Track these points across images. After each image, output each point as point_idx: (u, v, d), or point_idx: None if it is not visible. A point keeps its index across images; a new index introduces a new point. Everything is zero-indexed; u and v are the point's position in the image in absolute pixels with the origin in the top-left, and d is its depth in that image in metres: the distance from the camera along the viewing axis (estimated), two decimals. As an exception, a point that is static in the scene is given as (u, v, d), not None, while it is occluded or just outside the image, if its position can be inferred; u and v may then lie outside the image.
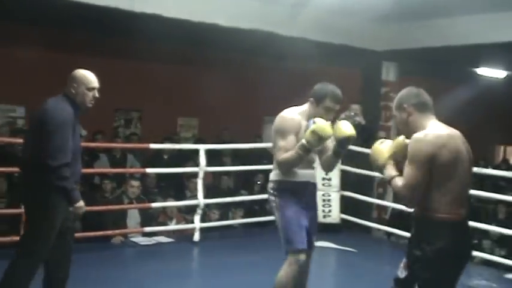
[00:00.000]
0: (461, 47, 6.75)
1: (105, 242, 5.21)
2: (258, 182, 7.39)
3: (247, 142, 7.04)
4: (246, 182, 7.65)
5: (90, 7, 5.30)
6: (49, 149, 2.93)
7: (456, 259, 2.49)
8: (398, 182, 2.46)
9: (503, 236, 5.80)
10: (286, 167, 3.07)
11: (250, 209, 6.73)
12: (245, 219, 6.30)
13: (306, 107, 3.16)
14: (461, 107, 10.13)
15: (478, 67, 9.36)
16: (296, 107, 3.20)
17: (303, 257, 3.06)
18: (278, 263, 5.01)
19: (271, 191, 3.18)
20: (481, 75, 9.84)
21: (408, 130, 2.54)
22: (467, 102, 10.32)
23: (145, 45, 7.85)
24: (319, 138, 2.95)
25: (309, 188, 3.22)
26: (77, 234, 5.11)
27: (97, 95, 3.16)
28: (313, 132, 2.93)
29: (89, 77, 3.14)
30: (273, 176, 3.20)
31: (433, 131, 2.44)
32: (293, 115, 3.10)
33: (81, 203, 3.08)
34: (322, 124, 2.95)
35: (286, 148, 3.02)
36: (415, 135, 2.44)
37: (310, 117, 3.05)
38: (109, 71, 8.00)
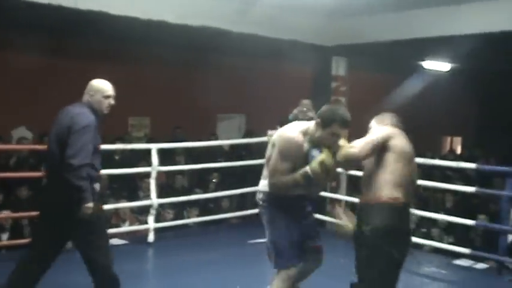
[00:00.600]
0: (407, 41, 6.93)
1: (55, 247, 5.05)
2: (214, 180, 7.37)
3: (200, 140, 6.99)
4: (200, 181, 7.61)
5: (34, 5, 5.13)
6: (72, 149, 3.15)
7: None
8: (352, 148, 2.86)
9: (451, 224, 6.00)
10: (281, 190, 2.96)
11: (205, 207, 6.70)
12: (200, 218, 6.25)
13: (309, 125, 2.99)
14: (409, 99, 10.42)
15: (423, 60, 9.64)
16: (299, 123, 3.07)
17: (294, 271, 2.99)
18: (234, 260, 5.02)
19: (261, 203, 3.06)
20: (427, 69, 10.13)
21: None
22: (414, 94, 10.62)
23: (93, 43, 7.67)
24: (327, 171, 2.84)
25: (303, 202, 3.11)
26: (26, 240, 4.97)
27: (112, 102, 3.43)
28: (321, 164, 2.83)
29: (105, 86, 3.43)
30: (263, 187, 3.06)
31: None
32: (299, 138, 2.92)
33: (90, 205, 3.22)
34: (329, 158, 2.84)
35: (283, 171, 2.89)
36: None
37: (314, 138, 2.91)
38: (54, 71, 7.82)
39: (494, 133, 12.71)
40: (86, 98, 3.40)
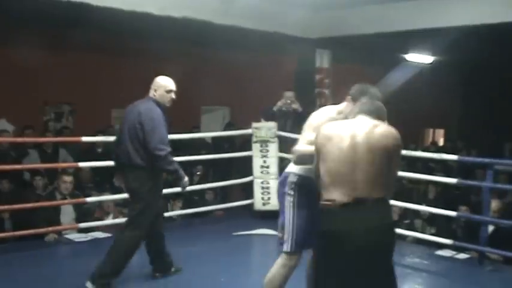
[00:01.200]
0: (390, 33, 6.96)
1: (37, 241, 5.01)
2: (198, 173, 7.34)
3: (184, 133, 6.95)
4: (184, 173, 7.56)
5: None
6: (153, 142, 3.69)
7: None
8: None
9: (433, 215, 6.06)
10: (299, 159, 2.96)
11: (189, 200, 6.67)
12: (184, 211, 6.23)
13: (344, 105, 3.02)
14: (392, 92, 10.47)
15: (407, 53, 9.70)
16: (336, 105, 3.09)
17: (296, 259, 2.97)
18: (219, 252, 5.02)
19: (292, 185, 3.02)
20: (410, 61, 10.19)
21: None
22: (398, 87, 10.67)
23: (76, 35, 7.57)
24: None
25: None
26: (8, 234, 4.93)
27: (174, 96, 3.93)
28: None
29: (167, 82, 3.93)
30: (296, 169, 3.03)
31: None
32: (327, 112, 3.00)
33: (187, 179, 4.04)
34: None
35: (307, 140, 2.89)
36: None
37: (347, 115, 2.90)
38: (38, 63, 7.70)
39: (476, 125, 12.87)
40: (151, 93, 3.88)
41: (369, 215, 2.40)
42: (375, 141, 2.44)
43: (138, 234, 3.83)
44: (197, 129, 8.70)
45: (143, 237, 3.90)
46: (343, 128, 2.50)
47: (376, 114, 2.59)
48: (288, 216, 3.02)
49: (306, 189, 2.98)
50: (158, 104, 3.83)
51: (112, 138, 6.84)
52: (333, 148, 2.44)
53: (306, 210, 2.97)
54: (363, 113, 2.60)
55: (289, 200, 3.03)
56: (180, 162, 7.06)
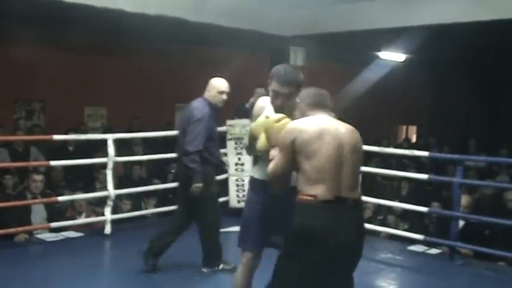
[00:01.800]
0: (363, 31, 7.02)
1: (8, 241, 4.90)
2: (172, 171, 7.29)
3: (157, 130, 6.90)
4: (159, 171, 7.52)
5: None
6: (188, 138, 3.91)
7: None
8: (270, 165, 2.55)
9: (405, 211, 6.15)
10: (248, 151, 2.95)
11: (163, 198, 6.63)
12: (158, 209, 6.18)
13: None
14: (366, 89, 10.59)
15: (380, 51, 9.80)
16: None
17: (249, 256, 2.94)
18: (193, 250, 4.98)
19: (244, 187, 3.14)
20: (383, 59, 10.31)
21: None
22: (371, 85, 10.80)
23: (47, 32, 7.45)
24: (251, 137, 2.78)
25: (268, 189, 2.80)
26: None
27: (225, 97, 4.08)
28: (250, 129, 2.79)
29: (219, 83, 4.09)
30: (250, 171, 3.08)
31: (301, 120, 2.52)
32: (261, 102, 2.97)
33: (200, 185, 3.93)
34: (257, 124, 2.73)
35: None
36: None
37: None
38: (8, 60, 7.54)
39: (446, 122, 13.08)
40: (205, 93, 4.07)
41: (348, 215, 2.44)
42: (356, 144, 2.52)
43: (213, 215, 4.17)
44: (171, 126, 8.64)
45: (218, 216, 4.25)
46: (326, 127, 2.47)
47: (330, 108, 2.58)
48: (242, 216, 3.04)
49: (255, 190, 2.95)
50: (210, 104, 4.01)
51: (85, 137, 6.86)
52: (320, 146, 2.41)
53: (249, 208, 2.96)
54: (321, 108, 2.56)
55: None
56: (154, 161, 7.21)
